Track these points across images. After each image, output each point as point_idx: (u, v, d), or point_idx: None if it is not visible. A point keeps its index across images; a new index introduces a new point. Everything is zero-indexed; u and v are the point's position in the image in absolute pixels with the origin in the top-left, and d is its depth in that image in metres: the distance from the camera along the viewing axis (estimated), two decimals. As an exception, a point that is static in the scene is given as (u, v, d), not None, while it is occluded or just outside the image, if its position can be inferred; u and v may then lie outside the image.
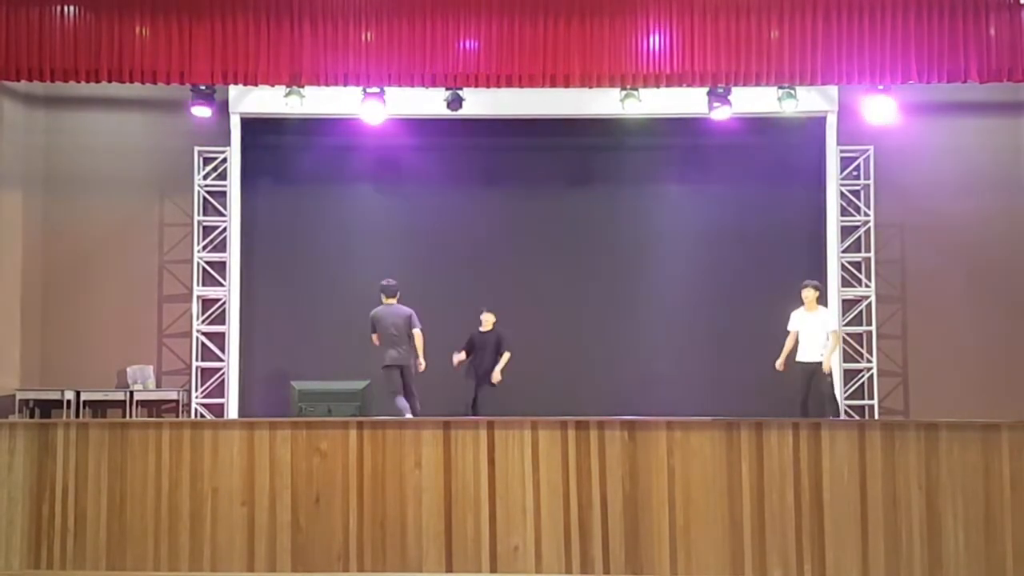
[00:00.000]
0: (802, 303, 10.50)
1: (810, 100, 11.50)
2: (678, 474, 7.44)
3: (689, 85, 10.34)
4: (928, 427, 7.45)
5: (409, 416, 10.03)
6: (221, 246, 11.87)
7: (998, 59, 9.93)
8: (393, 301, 10.53)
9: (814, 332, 10.43)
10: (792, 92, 11.06)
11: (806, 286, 10.51)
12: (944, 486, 7.33)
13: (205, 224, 11.91)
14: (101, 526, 7.58)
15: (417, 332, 10.41)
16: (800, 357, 10.47)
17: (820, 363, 10.32)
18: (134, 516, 7.57)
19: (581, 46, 10.03)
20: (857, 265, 11.82)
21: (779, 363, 10.48)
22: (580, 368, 11.73)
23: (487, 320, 11.04)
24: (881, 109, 11.23)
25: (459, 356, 10.97)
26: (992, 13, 9.94)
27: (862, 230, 11.79)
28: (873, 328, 11.67)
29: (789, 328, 10.54)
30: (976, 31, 9.92)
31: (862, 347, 11.70)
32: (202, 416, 11.47)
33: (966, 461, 7.35)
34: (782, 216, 12.00)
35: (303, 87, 10.83)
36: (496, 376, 10.86)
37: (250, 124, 11.94)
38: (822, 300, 10.71)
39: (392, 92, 11.11)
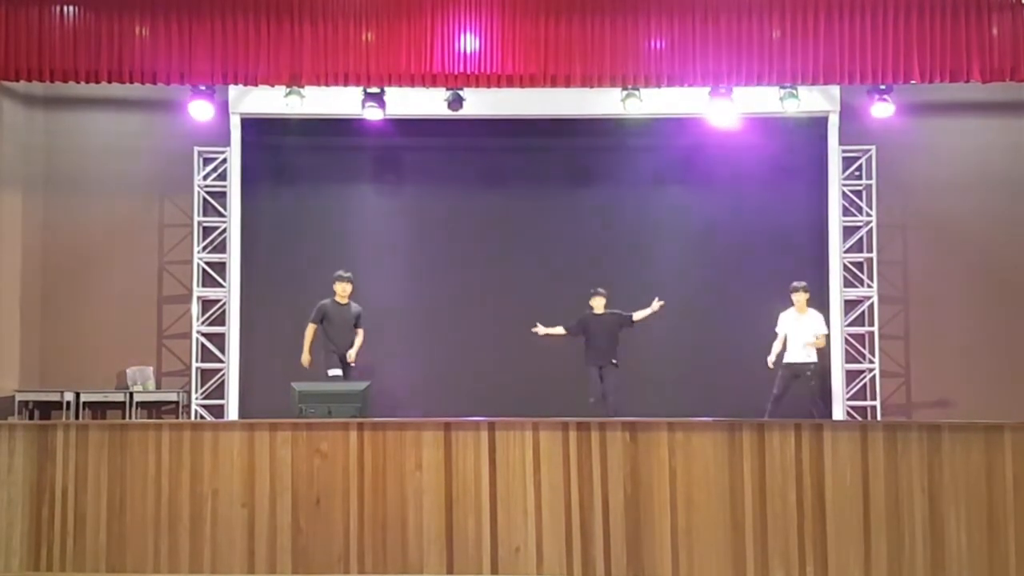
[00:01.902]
0: (791, 304, 10.60)
1: (812, 100, 11.47)
2: (680, 475, 7.42)
3: (690, 85, 10.34)
4: (930, 428, 7.44)
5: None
6: (221, 247, 11.85)
7: (1000, 59, 9.92)
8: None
9: (803, 335, 10.51)
10: (794, 92, 11.03)
11: (796, 289, 10.60)
12: (947, 487, 7.30)
13: (205, 225, 11.89)
14: (101, 528, 7.55)
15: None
16: (787, 358, 10.57)
17: (805, 364, 10.45)
18: (134, 518, 7.54)
19: (582, 46, 10.03)
20: (859, 265, 11.79)
21: (771, 360, 10.60)
22: (582, 368, 11.68)
23: (599, 303, 10.77)
24: (883, 109, 11.23)
25: (554, 330, 10.74)
26: (994, 13, 9.93)
27: (864, 230, 11.76)
28: (875, 329, 11.64)
29: (777, 330, 10.64)
30: (978, 31, 9.92)
31: (864, 348, 11.67)
32: (202, 417, 11.44)
33: (969, 462, 7.33)
34: (784, 216, 11.97)
35: (303, 87, 10.81)
36: (657, 304, 10.56)
37: (250, 124, 11.91)
38: (814, 302, 10.79)
39: (392, 92, 11.10)
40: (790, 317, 10.61)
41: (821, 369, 10.80)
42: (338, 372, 10.37)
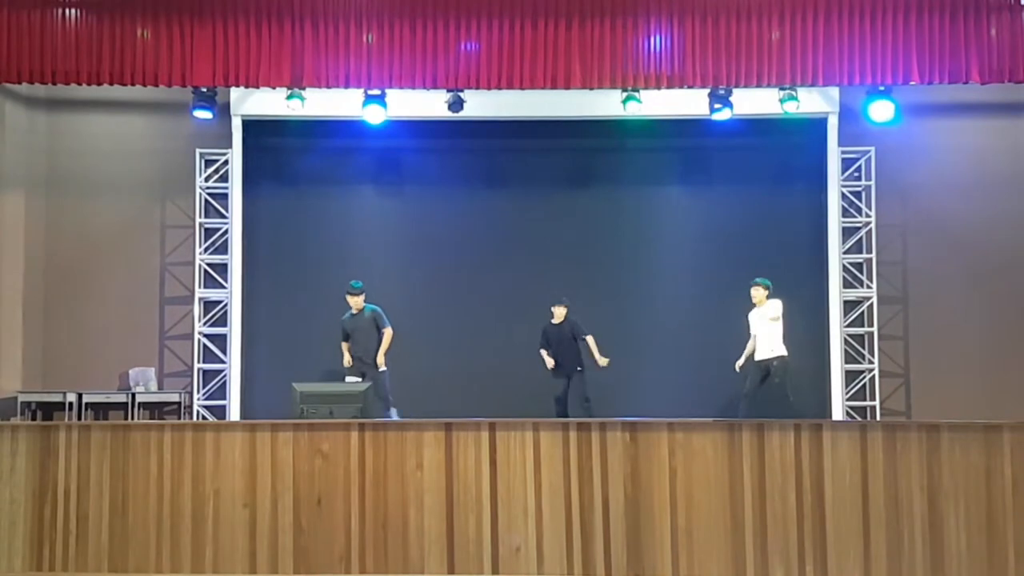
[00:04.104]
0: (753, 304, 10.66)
1: (811, 101, 11.50)
2: (680, 475, 7.44)
3: (690, 86, 10.36)
4: (930, 428, 7.45)
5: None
6: (223, 248, 11.88)
7: (999, 60, 9.95)
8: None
9: (764, 329, 10.53)
10: (793, 93, 11.05)
11: (754, 285, 10.63)
12: (946, 487, 7.32)
13: (207, 226, 11.92)
14: (103, 528, 7.58)
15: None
16: (756, 356, 10.61)
17: (773, 360, 10.42)
18: (136, 518, 7.57)
19: (582, 47, 10.05)
20: (858, 266, 11.81)
21: (738, 364, 10.64)
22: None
23: (559, 313, 11.03)
24: (882, 110, 11.25)
25: (546, 358, 11.02)
26: (993, 14, 9.96)
27: (863, 231, 11.78)
28: (875, 329, 11.66)
29: (752, 331, 10.67)
30: (977, 32, 9.94)
31: (864, 348, 11.69)
32: (204, 418, 11.47)
33: (968, 462, 7.35)
34: (783, 217, 12.00)
35: (304, 89, 10.84)
36: (603, 361, 10.77)
37: (251, 126, 11.94)
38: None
39: (393, 94, 11.12)
40: (754, 315, 10.67)
41: (788, 363, 10.73)
42: (355, 379, 10.49)
